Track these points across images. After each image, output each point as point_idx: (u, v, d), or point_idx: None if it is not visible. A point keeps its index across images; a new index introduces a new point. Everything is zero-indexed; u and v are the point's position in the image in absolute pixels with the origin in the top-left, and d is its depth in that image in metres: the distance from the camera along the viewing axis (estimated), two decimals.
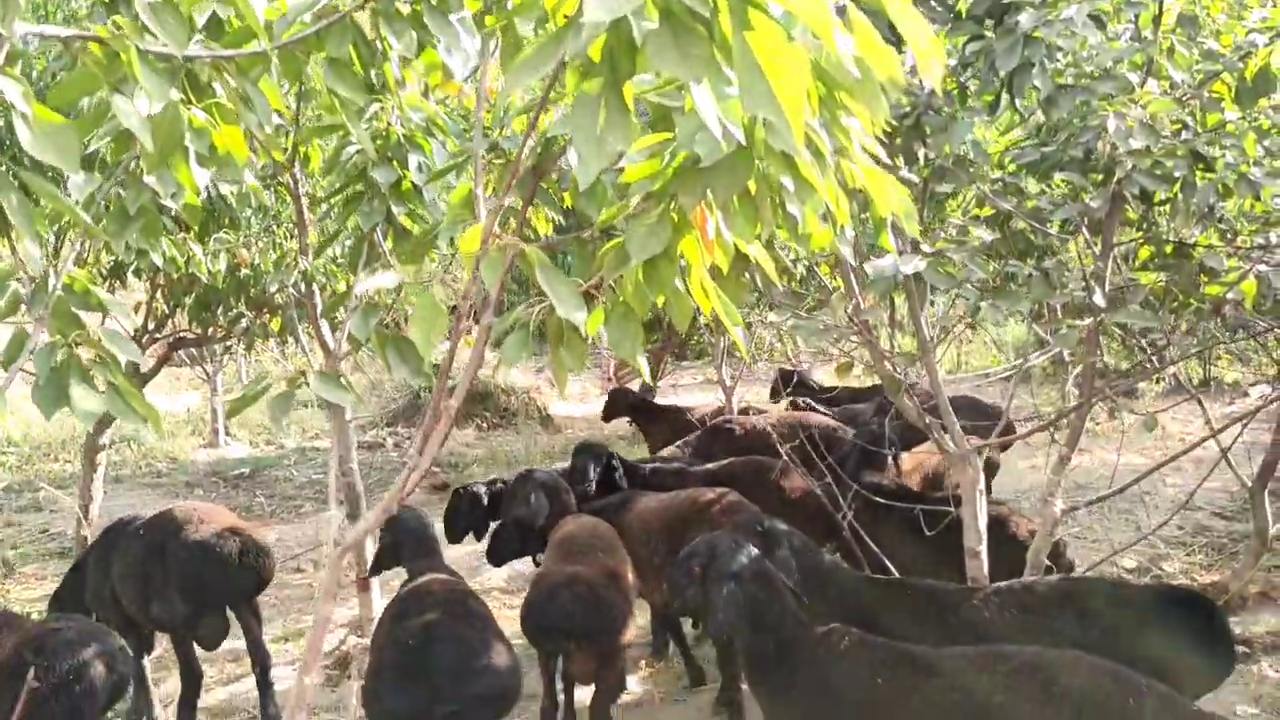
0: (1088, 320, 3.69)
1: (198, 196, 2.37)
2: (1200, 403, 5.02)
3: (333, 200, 2.53)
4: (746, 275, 2.64)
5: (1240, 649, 6.28)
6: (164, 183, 2.23)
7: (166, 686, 6.18)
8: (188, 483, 12.03)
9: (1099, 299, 3.66)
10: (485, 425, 14.65)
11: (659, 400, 12.90)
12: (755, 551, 3.91)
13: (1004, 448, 7.90)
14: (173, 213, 6.21)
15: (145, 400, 2.25)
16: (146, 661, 5.91)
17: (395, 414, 14.72)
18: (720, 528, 5.76)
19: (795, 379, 10.56)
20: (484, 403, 14.96)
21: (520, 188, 2.47)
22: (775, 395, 10.99)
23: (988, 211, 4.25)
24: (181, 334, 8.98)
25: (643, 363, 2.16)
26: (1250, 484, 6.17)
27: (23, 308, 2.29)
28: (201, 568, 5.37)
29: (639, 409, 10.73)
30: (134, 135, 1.87)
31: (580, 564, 5.26)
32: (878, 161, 1.93)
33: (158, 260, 5.71)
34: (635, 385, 14.14)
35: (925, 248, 3.28)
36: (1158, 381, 9.63)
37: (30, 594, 8.12)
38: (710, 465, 7.21)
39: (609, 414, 10.81)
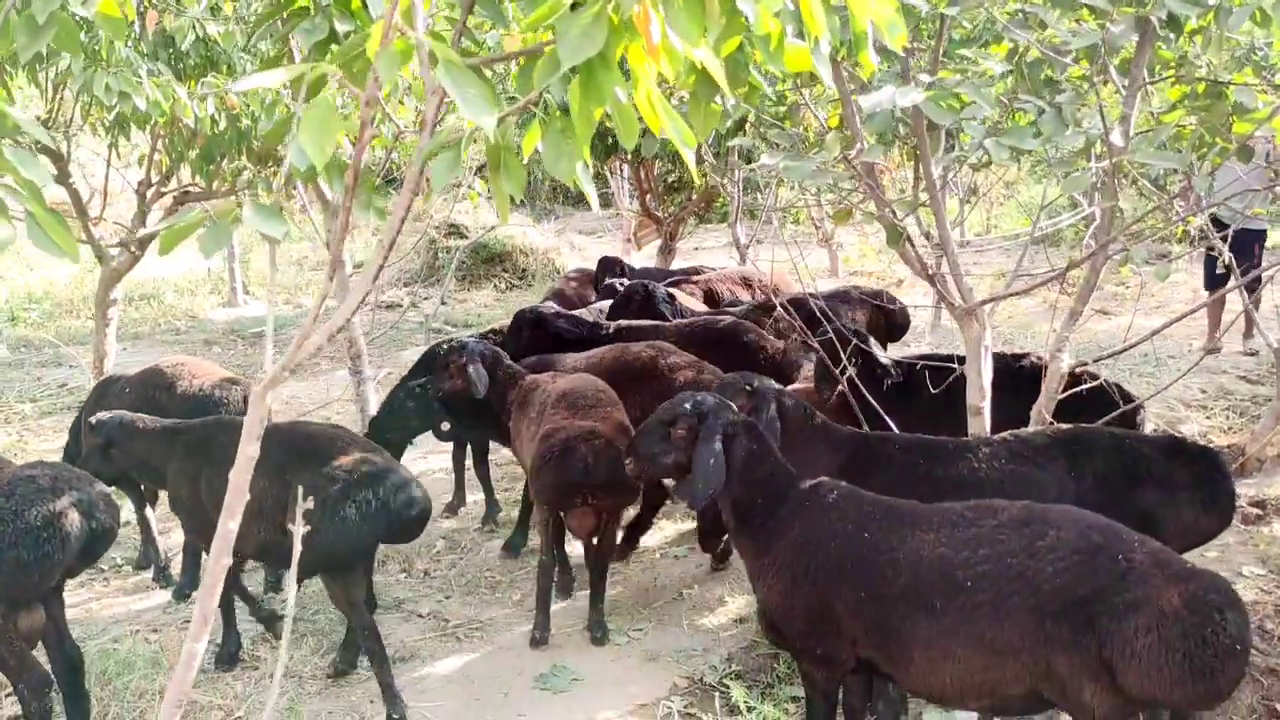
0: (1103, 162, 3.44)
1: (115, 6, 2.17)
2: (1225, 259, 4.76)
3: (266, 19, 2.32)
4: (720, 100, 2.43)
5: (1254, 510, 6.19)
6: None
7: (174, 537, 6.27)
8: (206, 340, 12.08)
9: (1116, 137, 3.40)
10: (503, 286, 14.54)
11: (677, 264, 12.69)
12: (735, 407, 3.79)
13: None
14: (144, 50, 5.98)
15: (66, 232, 2.10)
16: (151, 513, 5.99)
17: (413, 274, 14.60)
18: (675, 383, 5.66)
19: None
20: (502, 263, 14.81)
21: None
22: None
23: (1004, 49, 3.94)
24: (187, 189, 8.83)
25: (589, 190, 1.98)
26: (1277, 345, 5.95)
27: None
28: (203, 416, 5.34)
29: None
30: None
31: (591, 419, 5.22)
32: None
33: (140, 104, 5.53)
34: (655, 245, 13.90)
35: (924, 78, 3.03)
36: (1184, 239, 9.30)
37: (46, 446, 8.24)
38: (683, 322, 7.08)
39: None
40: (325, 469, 4.25)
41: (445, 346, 6.02)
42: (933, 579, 3.27)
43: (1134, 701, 3.12)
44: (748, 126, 4.51)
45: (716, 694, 4.63)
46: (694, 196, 13.32)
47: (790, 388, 5.03)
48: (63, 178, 8.86)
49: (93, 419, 5.00)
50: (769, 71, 2.31)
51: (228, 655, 4.90)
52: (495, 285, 14.55)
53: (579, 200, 21.55)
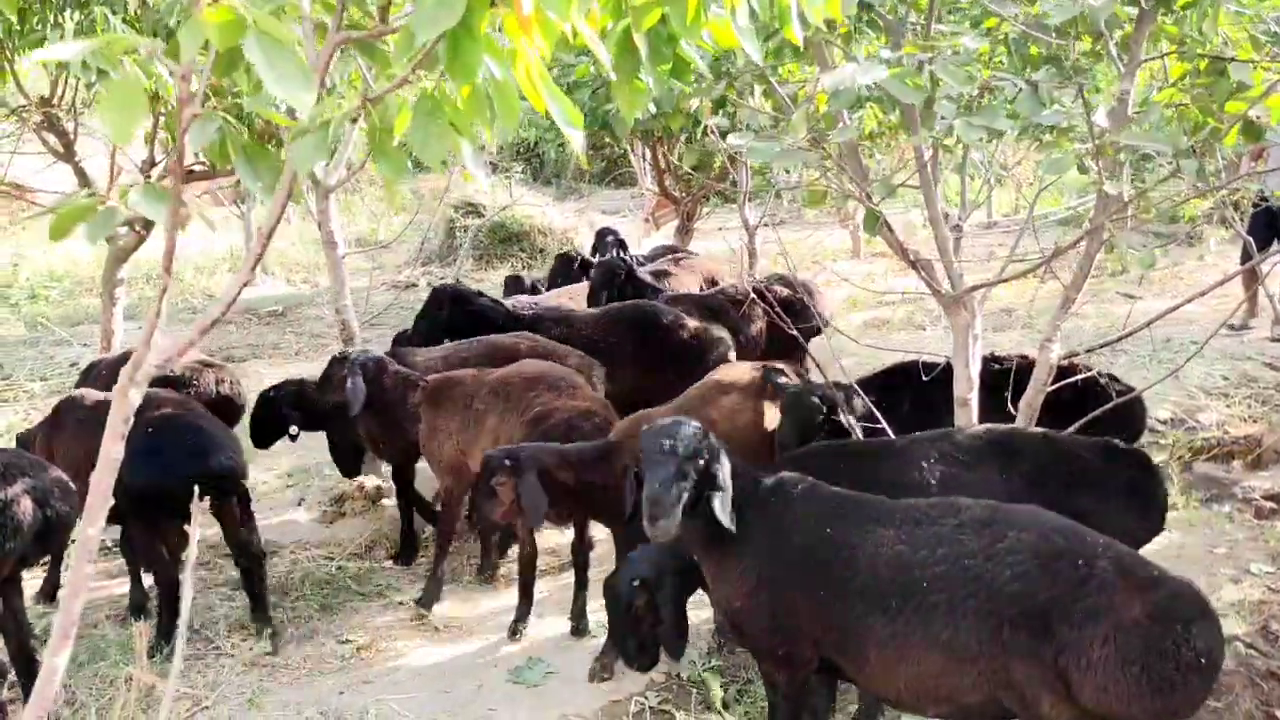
0: (1086, 144, 3.25)
1: None
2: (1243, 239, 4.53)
3: None
4: (645, 78, 2.27)
5: (1267, 504, 5.96)
6: None
7: None
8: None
9: (1101, 117, 3.21)
10: (520, 265, 14.42)
11: (692, 246, 12.50)
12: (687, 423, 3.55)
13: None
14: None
15: None
16: None
17: (430, 254, 14.53)
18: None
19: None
20: (519, 243, 14.70)
21: None
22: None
23: (991, 22, 3.75)
24: (190, 168, 8.78)
25: (477, 174, 1.85)
26: None
27: None
28: None
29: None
30: None
31: (578, 399, 5.19)
32: None
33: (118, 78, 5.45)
34: (673, 225, 13.72)
35: (886, 54, 2.85)
36: (1193, 220, 8.98)
37: None
38: (601, 309, 6.96)
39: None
40: None
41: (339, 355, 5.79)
42: (889, 578, 3.13)
43: (1093, 715, 2.96)
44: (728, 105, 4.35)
45: (693, 689, 4.51)
46: (712, 176, 13.10)
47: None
48: (68, 156, 8.86)
49: None
50: (704, 46, 2.15)
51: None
52: (512, 264, 14.44)
53: (602, 179, 21.39)
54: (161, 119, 7.82)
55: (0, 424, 8.38)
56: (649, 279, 7.53)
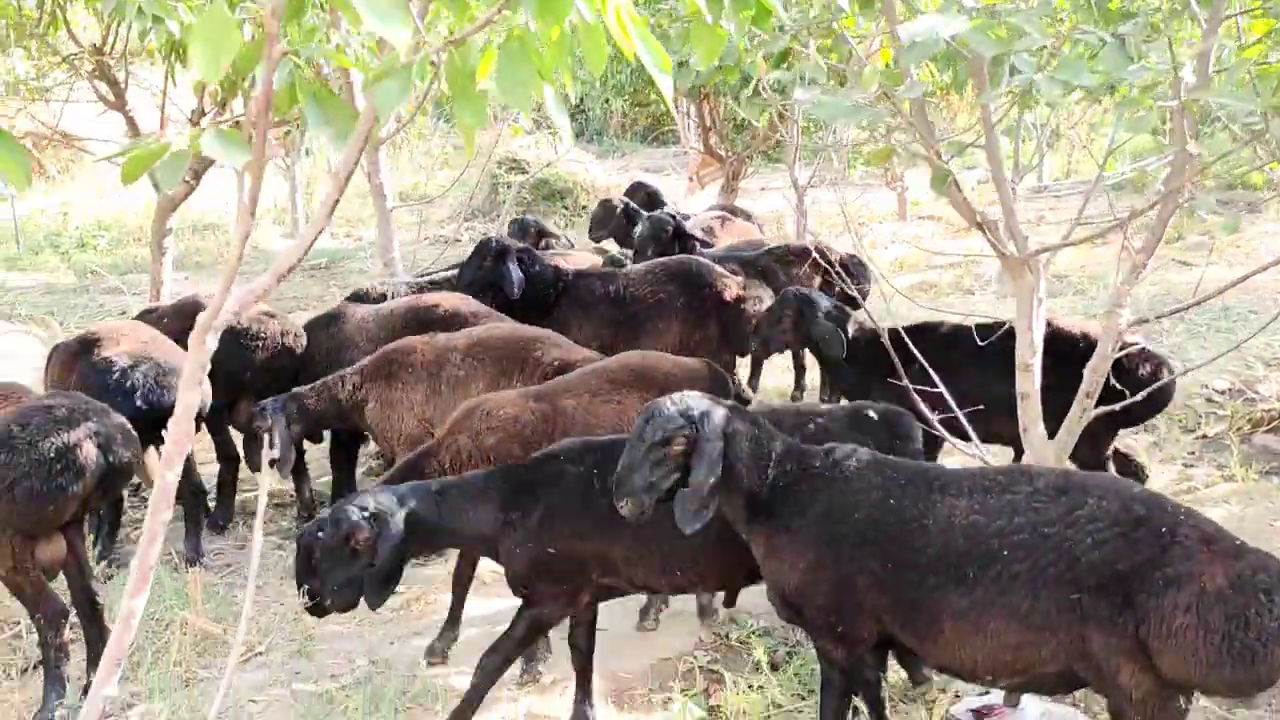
0: (1171, 101, 3.12)
1: None
2: None
3: None
4: (726, 24, 2.20)
5: None
6: None
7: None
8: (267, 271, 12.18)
9: (1188, 74, 3.08)
10: (563, 223, 14.36)
11: (739, 202, 12.36)
12: (702, 395, 3.46)
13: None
14: None
15: (12, 157, 1.98)
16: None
17: (473, 209, 14.49)
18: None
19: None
20: (563, 199, 14.63)
21: None
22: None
23: None
24: (239, 118, 8.78)
25: (560, 121, 1.79)
26: None
27: None
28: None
29: None
30: None
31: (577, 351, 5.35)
32: None
33: (175, 29, 5.43)
34: (718, 184, 13.57)
35: (970, 3, 2.75)
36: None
37: None
38: (642, 266, 6.88)
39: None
40: None
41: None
42: (965, 548, 3.06)
43: (1173, 685, 2.91)
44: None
45: (741, 649, 4.50)
46: (757, 135, 12.93)
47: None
48: (120, 104, 8.89)
49: None
50: None
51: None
52: (555, 221, 14.37)
53: (646, 137, 21.20)
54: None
55: None
56: (698, 235, 7.43)
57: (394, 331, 5.98)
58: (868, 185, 15.87)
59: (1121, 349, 4.12)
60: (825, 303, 5.53)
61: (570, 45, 1.71)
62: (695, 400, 3.36)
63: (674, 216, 7.53)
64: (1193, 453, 6.26)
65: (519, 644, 3.92)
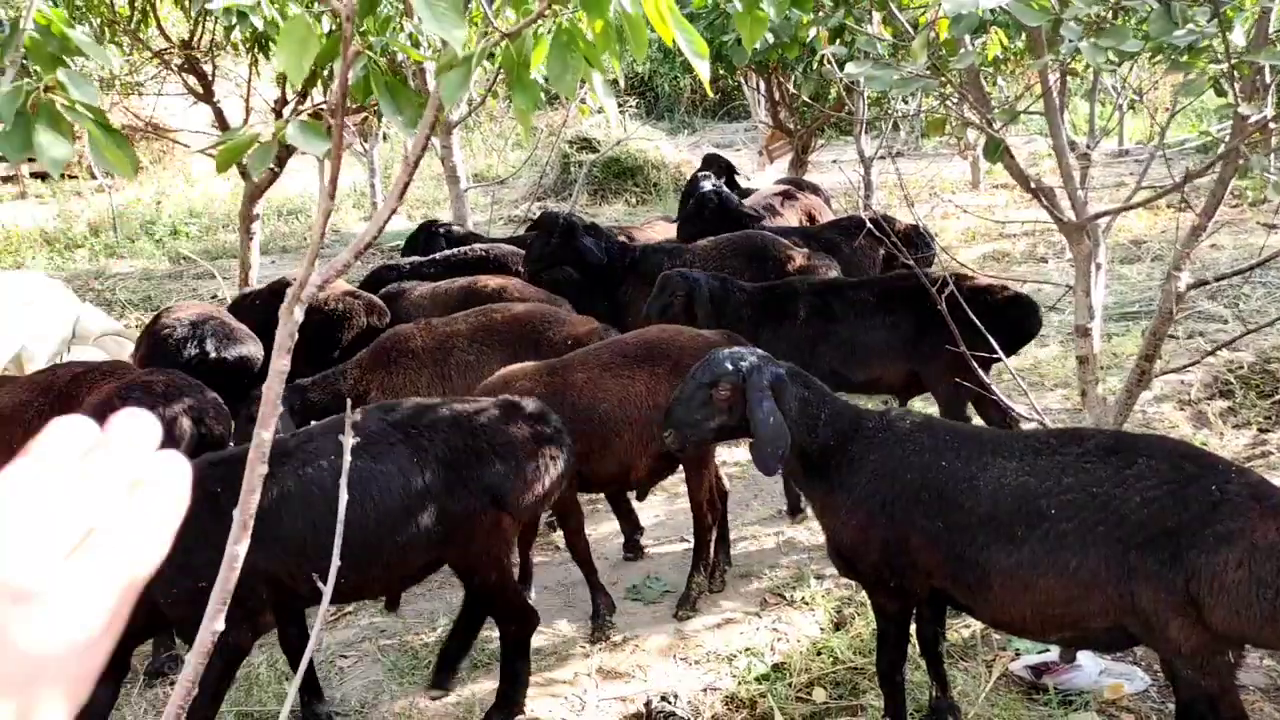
0: (1222, 65, 3.15)
1: None
2: None
3: None
4: (766, 7, 2.33)
5: None
6: None
7: None
8: None
9: (1238, 36, 3.11)
10: (634, 200, 14.52)
11: (808, 176, 12.36)
12: (761, 353, 3.60)
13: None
14: None
15: (119, 150, 2.21)
16: None
17: (546, 189, 14.73)
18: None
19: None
20: (633, 177, 14.77)
21: None
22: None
23: None
24: (319, 107, 9.09)
25: (608, 104, 1.95)
26: None
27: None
28: None
29: None
30: None
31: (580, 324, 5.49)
32: None
33: (258, 23, 5.72)
34: (787, 158, 13.59)
35: None
36: None
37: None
38: (707, 241, 6.93)
39: None
40: None
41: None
42: (1015, 508, 3.16)
43: (1223, 639, 2.97)
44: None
45: (805, 610, 4.64)
46: (828, 107, 12.91)
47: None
48: (208, 96, 9.28)
49: None
50: None
51: None
52: (626, 200, 14.55)
53: (715, 113, 21.20)
54: None
55: None
56: (743, 209, 7.48)
57: (448, 311, 6.12)
58: (939, 155, 15.71)
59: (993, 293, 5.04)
60: (705, 279, 5.58)
61: (614, 35, 1.86)
62: (748, 354, 3.55)
63: (717, 193, 7.59)
64: (1269, 417, 6.18)
65: None
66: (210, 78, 9.19)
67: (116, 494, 0.66)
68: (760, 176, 13.81)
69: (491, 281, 6.38)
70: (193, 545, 3.34)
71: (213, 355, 5.29)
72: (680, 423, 3.58)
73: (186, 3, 7.88)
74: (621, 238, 7.10)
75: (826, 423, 3.50)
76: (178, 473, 0.71)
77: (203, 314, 5.59)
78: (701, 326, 5.24)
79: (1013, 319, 5.21)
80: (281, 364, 2.06)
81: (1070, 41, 3.00)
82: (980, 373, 4.49)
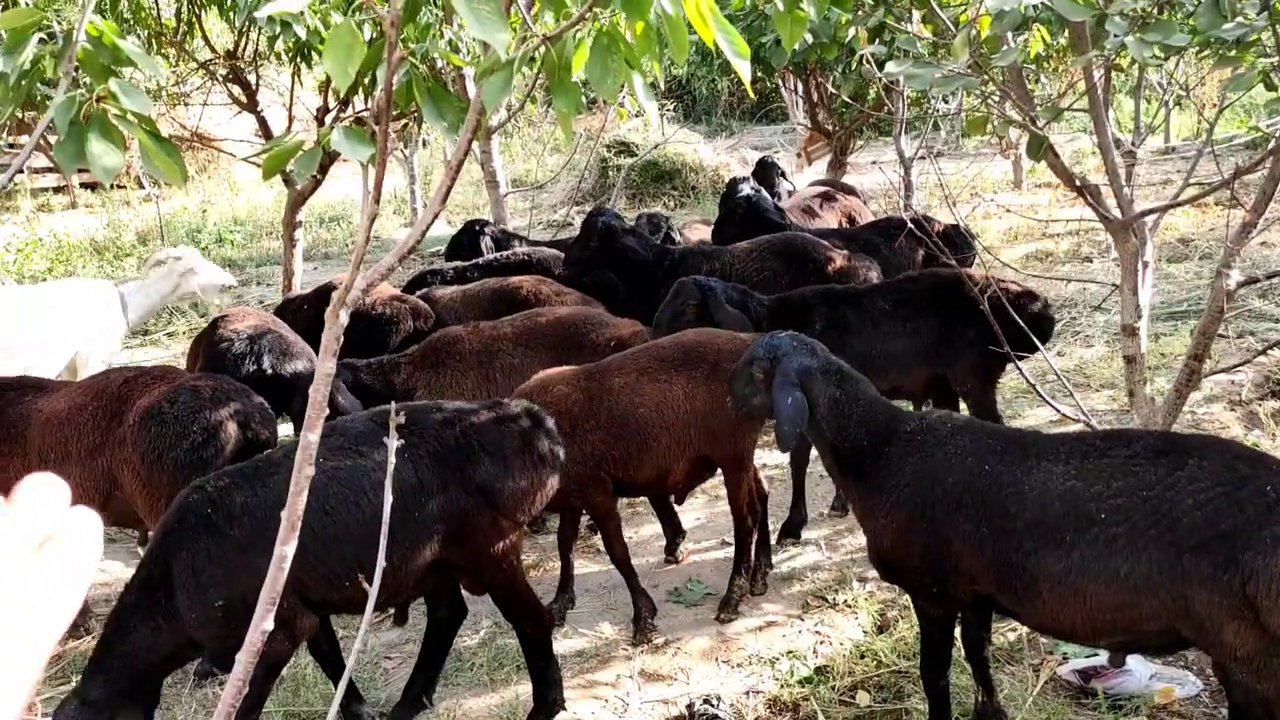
0: (1271, 58, 3.10)
1: None
2: None
3: None
4: (806, 7, 2.33)
5: None
6: None
7: None
8: None
9: None
10: (673, 204, 14.52)
11: (848, 179, 12.29)
12: (822, 349, 3.66)
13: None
14: None
15: (169, 158, 2.25)
16: None
17: (584, 194, 14.77)
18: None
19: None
20: (671, 181, 14.77)
21: None
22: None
23: None
24: (361, 114, 9.20)
25: (648, 106, 1.95)
26: None
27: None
28: None
29: None
30: None
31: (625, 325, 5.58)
32: None
33: (300, 32, 5.79)
34: (826, 160, 13.52)
35: None
36: None
37: None
38: (746, 244, 6.89)
39: None
40: None
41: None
42: (1062, 512, 3.11)
43: (1278, 642, 2.91)
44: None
45: (848, 611, 4.61)
46: (868, 107, 12.83)
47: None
48: (252, 105, 9.42)
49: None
50: None
51: None
52: (664, 203, 14.55)
53: (753, 115, 21.16)
54: None
55: None
56: (769, 214, 7.49)
57: (479, 313, 6.22)
58: (981, 154, 15.55)
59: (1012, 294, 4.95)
60: (722, 287, 5.52)
61: (655, 37, 1.87)
62: (786, 343, 3.66)
63: (750, 197, 7.58)
64: None
65: None
66: (254, 87, 9.33)
67: (18, 557, 0.67)
68: (799, 178, 13.76)
69: (525, 283, 6.41)
70: (201, 567, 3.44)
71: (270, 372, 5.38)
72: (733, 391, 3.90)
73: (231, 14, 8.01)
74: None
75: (860, 423, 3.49)
76: (86, 527, 0.72)
77: (259, 326, 5.65)
78: None
79: (1033, 316, 5.14)
80: (327, 367, 2.09)
81: (1116, 37, 2.96)
82: (1024, 372, 4.45)
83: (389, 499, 2.38)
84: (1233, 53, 3.15)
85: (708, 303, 5.42)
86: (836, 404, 3.52)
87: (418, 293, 6.79)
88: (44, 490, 0.72)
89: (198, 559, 3.43)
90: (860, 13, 4.48)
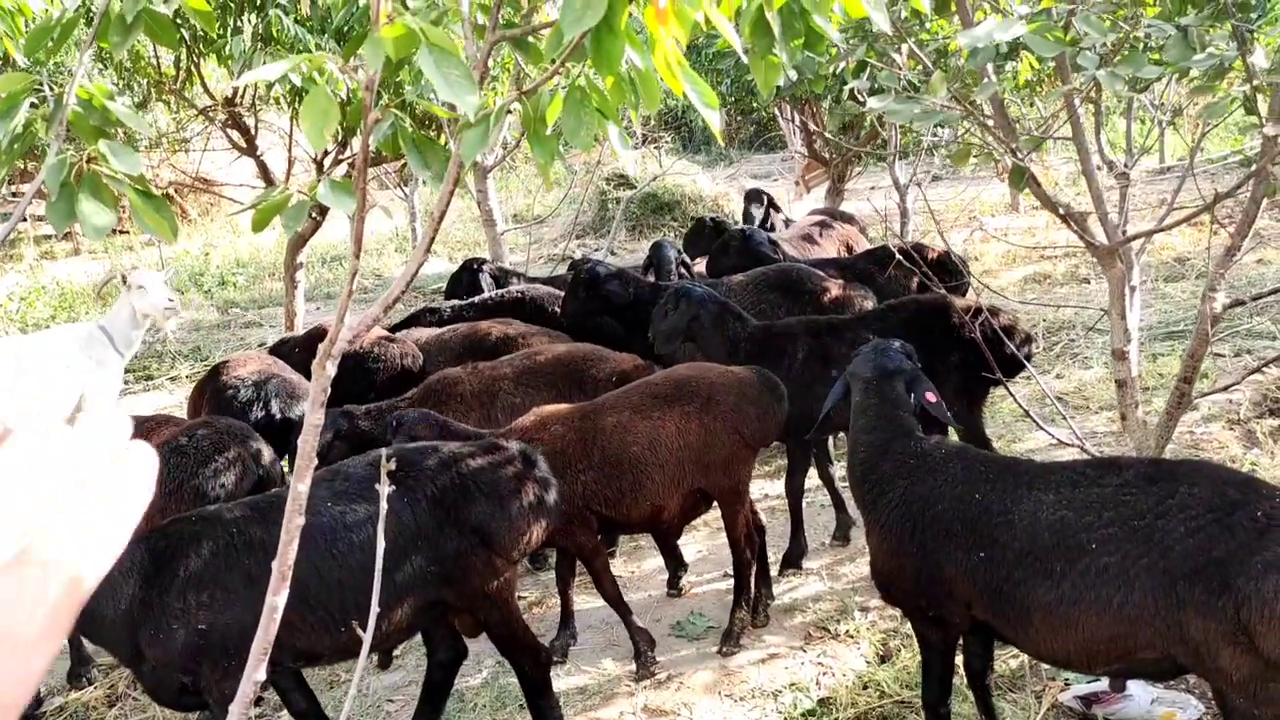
0: (1245, 87, 3.14)
1: None
2: None
3: None
4: (779, 52, 2.38)
5: None
6: None
7: None
8: None
9: (1259, 57, 3.10)
10: (673, 235, 14.59)
11: (844, 206, 12.37)
12: (905, 363, 3.84)
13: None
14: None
15: (159, 215, 2.30)
16: None
17: (584, 227, 14.86)
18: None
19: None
20: (671, 212, 14.87)
21: None
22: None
23: None
24: (354, 159, 9.31)
25: (623, 153, 2.00)
26: None
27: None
28: None
29: None
30: None
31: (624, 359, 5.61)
32: None
33: (296, 80, 5.87)
34: (824, 187, 13.60)
35: (1024, 9, 2.84)
36: None
37: None
38: (742, 276, 6.93)
39: None
40: None
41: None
42: (1052, 542, 3.12)
43: (1274, 667, 2.92)
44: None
45: (850, 641, 4.61)
46: (862, 137, 12.93)
47: None
48: (251, 150, 9.53)
49: None
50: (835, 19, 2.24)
51: None
52: (664, 234, 14.63)
53: (751, 144, 21.30)
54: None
55: None
56: (762, 247, 7.57)
57: (450, 357, 6.26)
58: (978, 178, 15.63)
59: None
60: (717, 310, 5.54)
61: (628, 88, 1.92)
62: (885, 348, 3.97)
63: (744, 231, 7.68)
64: None
65: None
66: (253, 132, 9.45)
67: (63, 487, 0.67)
68: (797, 206, 13.84)
69: (494, 329, 6.46)
70: (159, 610, 3.41)
71: (279, 417, 5.43)
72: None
73: (229, 63, 8.14)
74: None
75: (868, 431, 3.64)
76: (144, 458, 0.73)
77: (263, 371, 5.70)
78: (705, 353, 5.37)
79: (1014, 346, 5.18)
80: (315, 418, 2.13)
81: (1086, 70, 3.01)
82: (1015, 397, 4.47)
83: (381, 544, 2.40)
84: (1202, 81, 3.20)
85: (699, 322, 5.48)
86: (858, 408, 3.71)
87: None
88: (114, 421, 0.74)
89: (157, 606, 3.49)
90: (846, 46, 4.55)
